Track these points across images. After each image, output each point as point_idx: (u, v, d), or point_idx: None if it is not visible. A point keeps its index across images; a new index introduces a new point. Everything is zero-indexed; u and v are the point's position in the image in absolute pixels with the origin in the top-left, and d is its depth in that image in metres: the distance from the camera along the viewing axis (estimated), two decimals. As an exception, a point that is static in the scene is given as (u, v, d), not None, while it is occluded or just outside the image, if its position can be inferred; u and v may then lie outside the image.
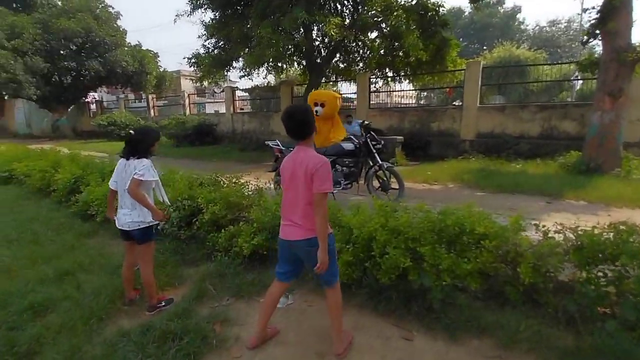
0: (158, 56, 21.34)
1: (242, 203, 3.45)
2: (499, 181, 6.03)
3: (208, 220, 3.30)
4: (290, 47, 9.60)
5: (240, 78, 11.68)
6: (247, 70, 10.69)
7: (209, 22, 11.13)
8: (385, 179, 4.84)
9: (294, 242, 1.93)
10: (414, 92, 14.42)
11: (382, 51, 11.94)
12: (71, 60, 17.89)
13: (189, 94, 17.23)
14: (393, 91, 12.67)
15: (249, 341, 2.09)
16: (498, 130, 9.06)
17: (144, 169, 2.27)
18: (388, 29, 10.59)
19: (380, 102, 13.16)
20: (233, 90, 15.24)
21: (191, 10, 10.57)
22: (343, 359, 2.00)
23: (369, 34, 11.64)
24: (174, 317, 2.22)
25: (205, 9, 10.66)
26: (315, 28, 10.71)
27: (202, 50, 11.53)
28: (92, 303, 2.40)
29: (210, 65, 10.67)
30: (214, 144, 14.49)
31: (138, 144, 2.31)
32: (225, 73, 11.81)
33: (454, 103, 13.30)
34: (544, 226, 2.29)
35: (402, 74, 12.53)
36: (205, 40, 11.47)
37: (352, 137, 4.97)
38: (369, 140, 4.82)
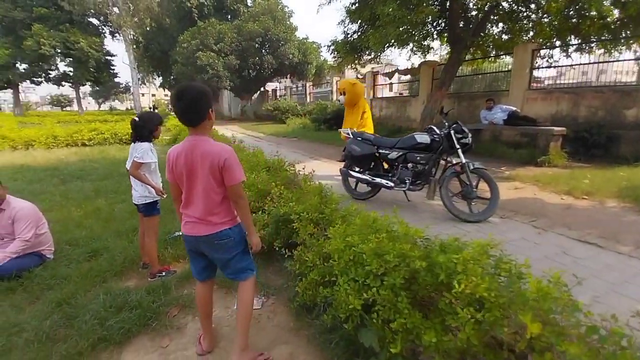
0: (320, 47, 23.30)
1: (270, 192, 3.37)
2: None
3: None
4: (420, 21, 8.48)
5: (370, 62, 11.31)
6: (375, 53, 10.21)
7: (347, 7, 11.19)
8: (468, 183, 3.68)
9: (199, 237, 1.74)
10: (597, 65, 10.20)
11: (564, 12, 9.01)
12: (254, 56, 21.87)
13: (336, 81, 18.13)
14: (567, 65, 9.44)
15: (200, 346, 1.94)
16: None
17: (142, 152, 2.53)
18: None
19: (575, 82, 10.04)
20: (375, 75, 15.01)
21: (330, -1, 10.84)
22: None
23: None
24: (145, 289, 2.43)
25: (343, -5, 10.71)
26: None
27: (341, 37, 11.79)
28: (121, 259, 2.91)
29: (344, 51, 10.77)
30: (352, 129, 14.91)
31: (142, 129, 2.58)
32: (361, 58, 11.66)
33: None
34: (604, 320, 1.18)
35: (594, 39, 9.16)
36: (344, 27, 11.66)
37: (432, 127, 3.98)
38: (452, 132, 3.74)
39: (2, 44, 25.59)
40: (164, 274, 2.76)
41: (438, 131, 3.89)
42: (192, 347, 1.99)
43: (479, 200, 3.72)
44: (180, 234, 3.34)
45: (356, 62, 11.13)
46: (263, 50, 22.08)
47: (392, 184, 3.97)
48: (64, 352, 1.88)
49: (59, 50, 26.60)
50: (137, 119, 2.61)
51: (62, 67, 30.19)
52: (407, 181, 3.88)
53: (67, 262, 2.92)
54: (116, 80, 42.22)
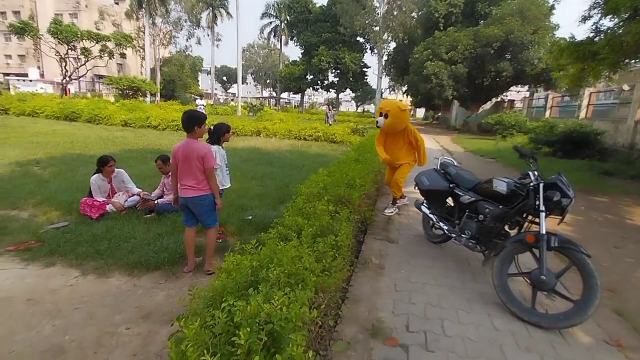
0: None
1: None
2: None
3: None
4: None
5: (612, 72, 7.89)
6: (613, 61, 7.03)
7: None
8: (541, 263, 2.33)
9: (188, 198, 3.00)
10: None
11: None
12: (490, 63, 19.79)
13: (590, 93, 13.52)
14: None
15: (186, 267, 3.16)
16: None
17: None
18: None
19: None
20: (653, 86, 10.18)
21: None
22: (211, 274, 3.04)
23: None
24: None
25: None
26: None
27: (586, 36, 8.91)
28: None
29: (573, 57, 8.17)
30: (590, 159, 10.72)
31: (212, 135, 3.60)
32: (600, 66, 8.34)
33: None
34: None
35: None
36: (593, 24, 8.76)
37: (529, 173, 2.73)
38: (541, 186, 2.48)
39: (300, 62, 36.32)
40: (219, 240, 3.76)
41: (534, 179, 2.69)
42: (168, 290, 2.85)
43: (559, 297, 2.35)
44: (251, 217, 4.33)
45: (589, 71, 8.16)
46: (504, 55, 19.52)
47: (453, 234, 3.16)
48: (127, 260, 3.24)
49: (331, 65, 34.63)
50: (211, 127, 3.68)
51: (331, 77, 39.12)
52: (464, 235, 2.97)
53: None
54: (373, 87, 49.65)
